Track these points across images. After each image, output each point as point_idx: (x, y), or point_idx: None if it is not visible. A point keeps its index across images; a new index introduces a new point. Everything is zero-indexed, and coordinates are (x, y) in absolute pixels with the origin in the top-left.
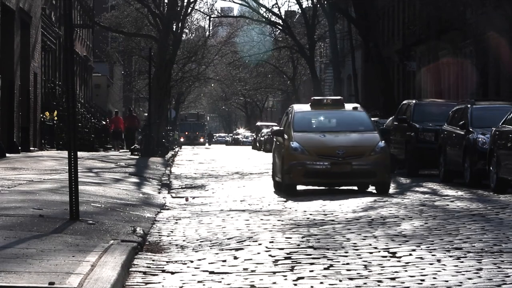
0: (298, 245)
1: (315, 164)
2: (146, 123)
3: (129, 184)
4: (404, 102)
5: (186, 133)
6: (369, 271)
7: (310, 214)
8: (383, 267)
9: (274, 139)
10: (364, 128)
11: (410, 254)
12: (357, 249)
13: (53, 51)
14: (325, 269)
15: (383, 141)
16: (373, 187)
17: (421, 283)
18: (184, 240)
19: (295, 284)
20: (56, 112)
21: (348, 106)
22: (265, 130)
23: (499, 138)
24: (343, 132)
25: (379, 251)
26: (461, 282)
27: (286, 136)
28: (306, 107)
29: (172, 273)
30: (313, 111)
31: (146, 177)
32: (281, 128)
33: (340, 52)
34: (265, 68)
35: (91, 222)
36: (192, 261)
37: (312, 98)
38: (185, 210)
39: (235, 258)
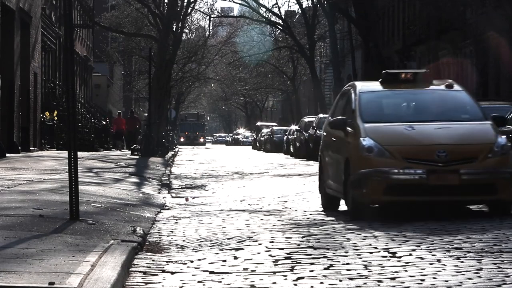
0: (298, 245)
1: (402, 173)
2: (146, 123)
3: (129, 184)
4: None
5: (186, 133)
6: (369, 271)
7: (310, 214)
8: (383, 267)
9: (324, 134)
10: (469, 116)
11: (410, 254)
12: (357, 249)
13: (53, 51)
14: (325, 269)
15: (503, 136)
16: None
17: (421, 283)
18: (184, 240)
19: (295, 284)
20: (56, 112)
21: (438, 83)
22: (265, 130)
23: None
24: (439, 122)
25: (379, 251)
26: (461, 282)
27: (349, 129)
28: (374, 85)
29: (172, 273)
30: (387, 90)
31: (146, 177)
32: (342, 117)
33: (340, 52)
34: (265, 68)
35: (91, 222)
36: (192, 261)
37: (384, 72)
38: (185, 210)
39: (235, 258)
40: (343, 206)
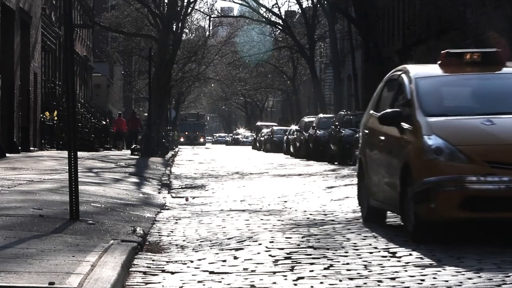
0: (298, 245)
1: (484, 182)
2: (146, 123)
3: (129, 184)
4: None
5: (186, 133)
6: (369, 271)
7: (310, 214)
8: (383, 267)
9: (365, 131)
10: None
11: (410, 254)
12: (357, 249)
13: (53, 51)
14: (325, 269)
15: None
16: None
17: (421, 283)
18: (184, 240)
19: (295, 284)
20: (56, 112)
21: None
22: (265, 130)
23: None
24: None
25: (379, 251)
26: (461, 282)
27: (406, 125)
28: (432, 69)
29: (172, 273)
30: (450, 75)
31: (146, 177)
32: (395, 110)
33: (340, 52)
34: (265, 68)
35: (91, 222)
36: (192, 261)
37: (444, 52)
38: (185, 210)
39: (235, 258)
40: (390, 219)
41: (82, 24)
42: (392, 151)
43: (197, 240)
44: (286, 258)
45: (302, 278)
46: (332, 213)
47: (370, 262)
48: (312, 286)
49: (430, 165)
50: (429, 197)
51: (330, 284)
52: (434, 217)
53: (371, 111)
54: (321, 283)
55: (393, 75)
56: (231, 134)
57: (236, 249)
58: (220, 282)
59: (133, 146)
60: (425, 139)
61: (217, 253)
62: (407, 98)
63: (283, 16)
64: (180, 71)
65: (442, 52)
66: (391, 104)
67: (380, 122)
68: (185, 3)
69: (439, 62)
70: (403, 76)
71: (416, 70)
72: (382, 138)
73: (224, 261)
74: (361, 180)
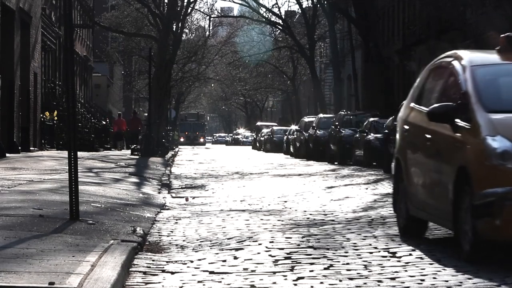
0: (298, 245)
1: None
2: (146, 123)
3: (129, 184)
4: (404, 102)
5: (186, 133)
6: (369, 271)
7: (310, 214)
8: (383, 267)
9: (405, 127)
10: None
11: (410, 254)
12: (357, 249)
13: (53, 51)
14: (325, 269)
15: None
16: None
17: (421, 283)
18: (184, 240)
19: (295, 284)
20: (56, 112)
21: None
22: (265, 130)
23: None
24: None
25: (379, 251)
26: (461, 282)
27: (461, 123)
28: (489, 56)
29: (172, 273)
30: (509, 63)
31: (146, 177)
32: (448, 104)
33: (340, 52)
34: (265, 68)
35: (91, 222)
36: (192, 261)
37: (504, 36)
38: (185, 210)
39: (235, 258)
40: (430, 231)
41: (82, 24)
42: (443, 152)
43: (197, 240)
44: (286, 258)
45: (302, 278)
46: (332, 213)
47: (370, 262)
48: (312, 286)
49: (494, 173)
50: (493, 211)
51: (330, 284)
52: (499, 236)
53: (412, 104)
54: (321, 283)
55: (441, 62)
56: (231, 134)
57: (236, 249)
58: (220, 282)
59: (133, 146)
60: (488, 140)
61: (217, 253)
62: (461, 89)
63: (283, 16)
64: (180, 71)
65: (501, 36)
66: (439, 97)
67: (429, 118)
68: (185, 3)
69: (497, 48)
70: (455, 63)
71: (470, 56)
72: (429, 136)
73: (224, 261)
74: (399, 185)
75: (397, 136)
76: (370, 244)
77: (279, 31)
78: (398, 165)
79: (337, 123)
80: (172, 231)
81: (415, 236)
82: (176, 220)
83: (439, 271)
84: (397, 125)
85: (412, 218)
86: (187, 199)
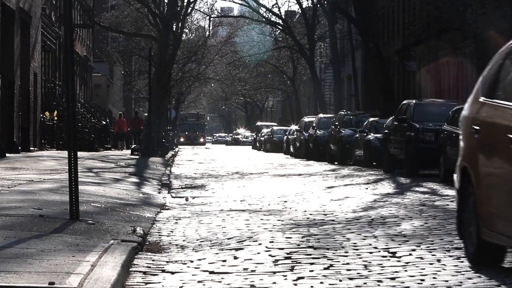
0: (298, 245)
1: None
2: (146, 123)
3: (129, 184)
4: (404, 102)
5: (186, 133)
6: (369, 271)
7: (310, 214)
8: (383, 267)
9: (475, 128)
10: None
11: (410, 254)
12: (357, 249)
13: (53, 51)
14: (325, 269)
15: None
16: None
17: (421, 283)
18: (184, 240)
19: (295, 284)
20: (56, 112)
21: None
22: (265, 130)
23: None
24: None
25: (379, 251)
26: (461, 282)
27: None
28: None
29: (172, 273)
30: None
31: (146, 177)
32: None
33: (340, 52)
34: (265, 68)
35: (91, 222)
36: (192, 261)
37: None
38: (185, 210)
39: (235, 258)
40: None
41: (82, 24)
42: None
43: (197, 240)
44: (286, 258)
45: (302, 278)
46: (332, 213)
47: (370, 262)
48: (312, 286)
49: None
50: None
51: (330, 284)
52: None
53: (482, 98)
54: (321, 283)
55: None
56: (231, 134)
57: (236, 249)
58: (220, 282)
59: (133, 146)
60: None
61: (217, 253)
62: None
63: (283, 16)
64: (180, 71)
65: None
66: (500, 83)
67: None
68: (185, 3)
69: None
70: None
71: None
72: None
73: (224, 261)
74: (466, 201)
75: (461, 139)
76: (370, 244)
77: (279, 31)
78: (466, 175)
79: (337, 123)
80: (172, 231)
81: (489, 267)
82: (176, 220)
83: (439, 271)
84: (460, 125)
85: (485, 244)
86: (187, 199)
